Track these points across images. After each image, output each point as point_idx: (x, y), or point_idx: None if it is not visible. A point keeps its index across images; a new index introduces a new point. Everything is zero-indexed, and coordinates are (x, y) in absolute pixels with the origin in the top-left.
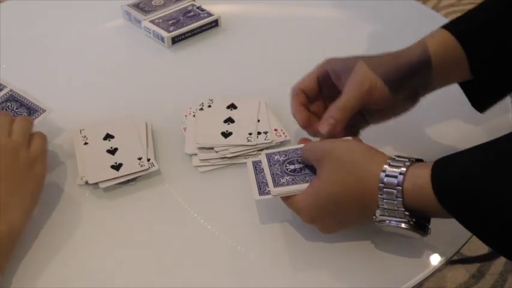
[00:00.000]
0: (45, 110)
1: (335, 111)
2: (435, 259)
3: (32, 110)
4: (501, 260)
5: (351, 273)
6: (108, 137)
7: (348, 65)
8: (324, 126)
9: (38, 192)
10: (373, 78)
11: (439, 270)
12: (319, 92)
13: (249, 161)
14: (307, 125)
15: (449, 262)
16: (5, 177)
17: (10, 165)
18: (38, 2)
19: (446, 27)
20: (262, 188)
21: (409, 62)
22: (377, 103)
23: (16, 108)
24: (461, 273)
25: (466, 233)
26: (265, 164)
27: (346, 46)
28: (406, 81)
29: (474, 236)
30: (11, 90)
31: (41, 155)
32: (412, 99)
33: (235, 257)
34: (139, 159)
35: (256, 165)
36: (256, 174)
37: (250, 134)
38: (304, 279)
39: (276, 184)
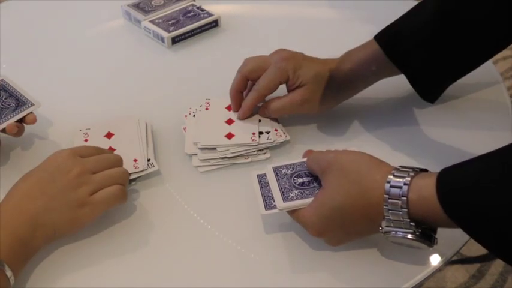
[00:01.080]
0: (33, 104)
1: (272, 108)
2: (435, 259)
3: (20, 102)
4: (501, 261)
5: (351, 273)
6: (108, 137)
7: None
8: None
9: (68, 229)
10: (314, 98)
11: (439, 270)
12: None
13: (254, 175)
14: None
15: (449, 262)
16: (49, 192)
17: (60, 183)
18: (38, 2)
19: (375, 37)
20: (268, 202)
21: (341, 78)
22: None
23: (5, 98)
24: (461, 273)
25: (465, 234)
26: (272, 178)
27: (347, 46)
28: (336, 94)
29: None
30: (2, 80)
31: (99, 205)
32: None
33: (235, 257)
34: (135, 161)
35: (261, 179)
36: (261, 188)
37: (253, 133)
38: (304, 278)
39: (286, 199)
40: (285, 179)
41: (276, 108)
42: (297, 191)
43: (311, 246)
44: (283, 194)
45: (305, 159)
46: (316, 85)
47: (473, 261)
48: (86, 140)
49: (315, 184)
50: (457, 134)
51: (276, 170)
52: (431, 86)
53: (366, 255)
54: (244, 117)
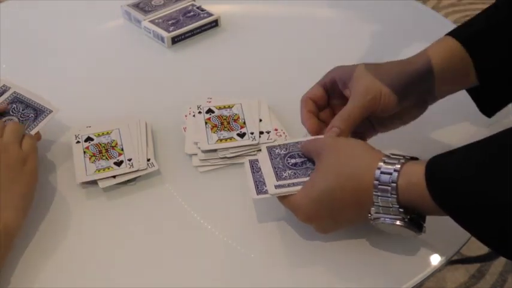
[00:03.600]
0: (52, 111)
1: (339, 121)
2: (435, 259)
3: (38, 111)
4: (501, 260)
5: (350, 273)
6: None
7: (353, 73)
8: (328, 136)
9: (32, 189)
10: (378, 86)
11: (439, 270)
12: (327, 100)
13: (246, 160)
14: (316, 133)
15: (449, 262)
16: None
17: (1, 163)
18: (38, 2)
19: (451, 33)
20: (259, 187)
21: (415, 69)
22: (383, 111)
23: (22, 110)
24: (461, 273)
25: (465, 233)
26: (266, 158)
27: (347, 46)
28: (411, 89)
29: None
30: (14, 92)
31: (32, 152)
32: (420, 106)
33: (235, 257)
34: (129, 160)
35: (253, 164)
36: (253, 173)
37: (252, 133)
38: (304, 279)
39: (279, 178)
40: (278, 159)
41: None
42: (290, 171)
43: (311, 246)
44: (277, 174)
45: (298, 140)
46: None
47: (473, 261)
48: (77, 142)
49: (308, 165)
50: (456, 133)
51: (270, 150)
52: (497, 97)
53: (365, 255)
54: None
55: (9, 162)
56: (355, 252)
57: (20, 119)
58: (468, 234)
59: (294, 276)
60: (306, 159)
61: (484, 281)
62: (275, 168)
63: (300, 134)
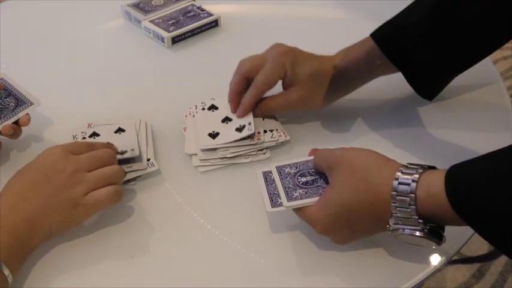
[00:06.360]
0: (33, 103)
1: (264, 108)
2: (435, 259)
3: (19, 101)
4: (501, 260)
5: (351, 273)
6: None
7: (296, 77)
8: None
9: (63, 229)
10: (312, 97)
11: (439, 270)
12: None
13: (259, 172)
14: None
15: (450, 262)
16: (43, 190)
17: (51, 180)
18: (38, 2)
19: (372, 34)
20: (274, 200)
21: (339, 75)
22: (309, 110)
23: (4, 97)
24: (461, 273)
25: (466, 233)
26: (276, 178)
27: (346, 46)
28: (336, 89)
29: (474, 236)
30: (1, 79)
31: (93, 206)
32: (345, 92)
33: (235, 257)
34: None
35: (267, 176)
36: (267, 185)
37: (258, 132)
38: (305, 278)
39: (290, 198)
40: (288, 178)
41: (270, 108)
42: (301, 190)
43: (312, 246)
44: (287, 194)
45: (308, 158)
46: (313, 83)
47: (473, 261)
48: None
49: (319, 183)
50: (458, 134)
51: (280, 169)
52: (429, 83)
53: (365, 255)
54: (244, 115)
55: (65, 198)
56: (355, 253)
57: (0, 106)
58: (468, 234)
59: (293, 276)
60: (317, 177)
61: (484, 281)
62: (285, 188)
63: (300, 134)
